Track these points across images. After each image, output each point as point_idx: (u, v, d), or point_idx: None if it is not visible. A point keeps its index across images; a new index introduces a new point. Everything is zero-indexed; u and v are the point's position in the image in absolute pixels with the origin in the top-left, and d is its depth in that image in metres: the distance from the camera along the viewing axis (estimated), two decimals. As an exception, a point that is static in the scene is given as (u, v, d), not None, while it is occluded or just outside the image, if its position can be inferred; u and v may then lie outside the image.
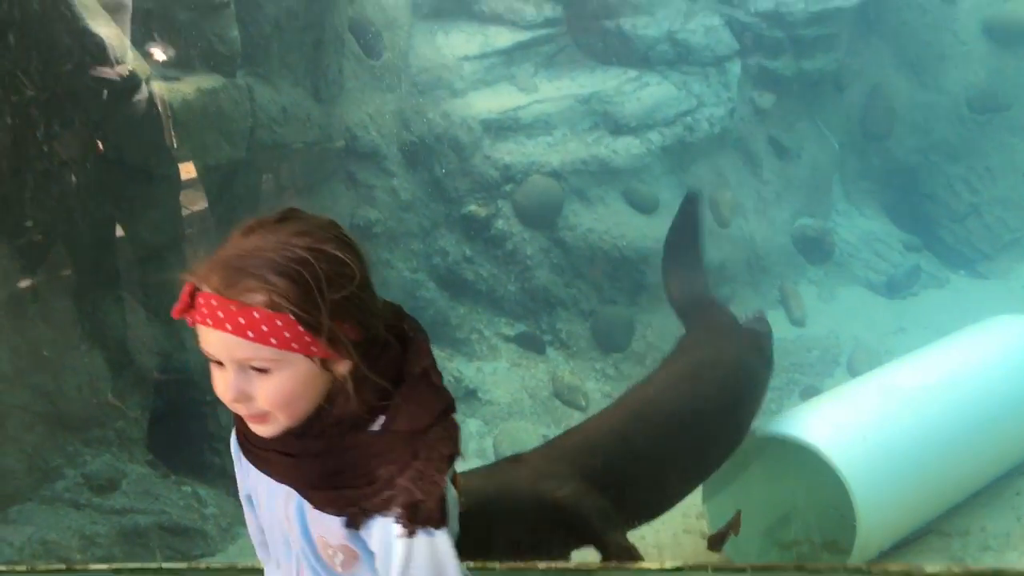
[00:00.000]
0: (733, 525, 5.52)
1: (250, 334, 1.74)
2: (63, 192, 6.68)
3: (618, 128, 11.02)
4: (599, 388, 9.97)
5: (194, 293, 1.83)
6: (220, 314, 1.77)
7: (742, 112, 11.67)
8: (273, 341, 1.75)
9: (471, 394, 9.51)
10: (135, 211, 7.67)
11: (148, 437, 7.88)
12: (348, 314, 1.81)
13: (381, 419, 1.87)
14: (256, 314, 1.74)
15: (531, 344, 10.24)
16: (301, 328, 1.75)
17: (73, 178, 6.65)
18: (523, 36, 11.20)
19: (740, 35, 11.59)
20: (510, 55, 11.14)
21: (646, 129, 11.09)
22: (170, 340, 8.12)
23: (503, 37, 11.11)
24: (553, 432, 9.31)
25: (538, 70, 11.26)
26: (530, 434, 9.27)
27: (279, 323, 1.74)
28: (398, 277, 10.20)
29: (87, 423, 7.50)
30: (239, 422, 2.02)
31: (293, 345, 1.76)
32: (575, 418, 9.60)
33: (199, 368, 8.23)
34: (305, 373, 1.81)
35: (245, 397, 1.83)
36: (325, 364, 1.83)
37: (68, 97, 6.13)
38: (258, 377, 1.80)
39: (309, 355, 1.78)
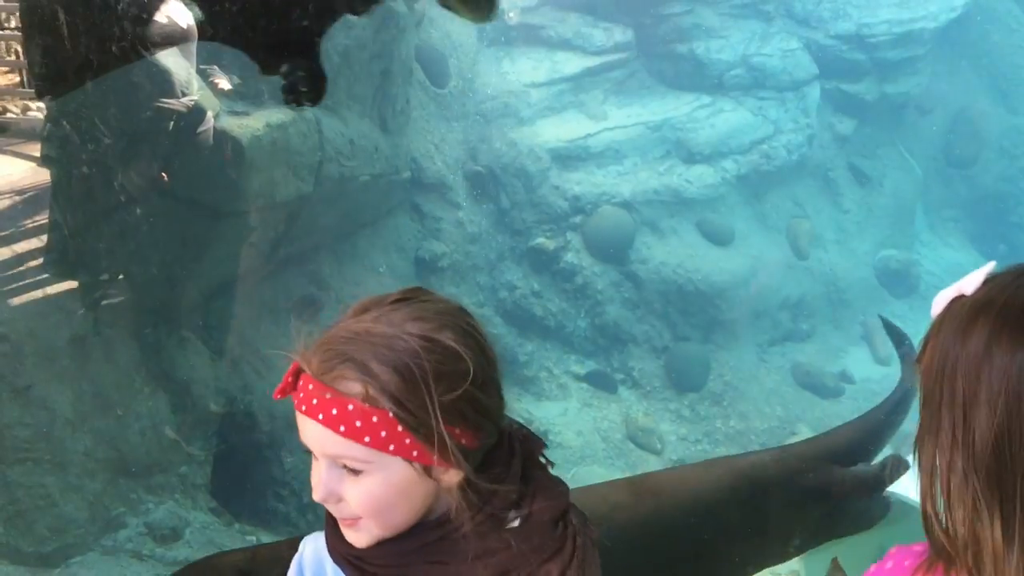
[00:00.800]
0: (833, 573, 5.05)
1: (342, 428, 1.51)
2: (129, 230, 6.46)
3: (691, 156, 10.62)
4: (674, 430, 9.52)
5: (298, 373, 1.58)
6: (314, 401, 1.54)
7: (821, 138, 11.20)
8: (367, 439, 1.51)
9: (542, 436, 9.09)
10: (201, 248, 7.44)
11: (211, 482, 7.61)
12: (460, 417, 1.54)
13: (513, 514, 1.61)
14: (351, 407, 1.51)
15: (602, 383, 9.82)
16: (400, 428, 1.51)
17: (140, 216, 6.42)
18: (592, 62, 10.86)
19: (819, 58, 11.13)
20: (578, 81, 10.80)
21: (720, 157, 10.68)
22: (234, 382, 7.86)
23: (571, 63, 10.78)
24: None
25: (607, 97, 10.89)
26: (604, 479, 8.84)
27: (375, 419, 1.50)
28: (464, 312, 9.85)
29: (150, 469, 7.24)
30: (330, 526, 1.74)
31: (390, 447, 1.52)
32: (650, 463, 9.17)
33: (264, 411, 7.96)
34: (404, 479, 1.56)
35: (335, 497, 1.59)
36: (429, 471, 1.57)
37: (143, 141, 5.91)
38: (351, 477, 1.56)
39: (409, 459, 1.54)
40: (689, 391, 9.79)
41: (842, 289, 10.91)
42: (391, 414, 1.49)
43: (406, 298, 1.63)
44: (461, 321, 1.60)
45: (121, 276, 7.11)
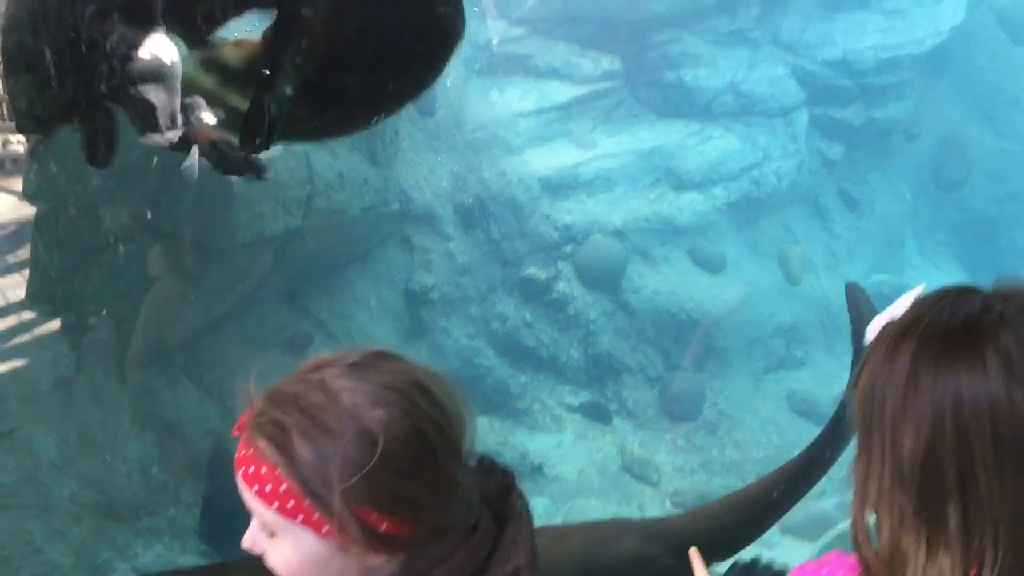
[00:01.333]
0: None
1: (255, 487, 1.45)
2: (117, 271, 6.33)
3: (681, 183, 10.58)
4: (671, 461, 9.41)
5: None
6: (242, 452, 1.48)
7: (810, 164, 11.19)
8: (275, 505, 1.44)
9: (537, 470, 8.97)
10: (189, 285, 7.31)
11: (201, 525, 7.43)
12: (373, 502, 1.43)
13: None
14: (264, 470, 1.43)
15: (597, 414, 9.70)
16: (307, 502, 1.42)
17: (127, 255, 6.29)
18: (580, 90, 10.83)
19: (806, 84, 11.15)
20: (567, 110, 10.76)
21: (710, 184, 10.65)
22: (224, 420, 7.70)
23: (560, 92, 10.75)
24: (625, 510, 8.77)
25: (597, 125, 10.85)
26: (601, 512, 8.70)
27: (284, 488, 1.43)
28: (455, 344, 9.74)
29: (137, 512, 7.07)
30: None
31: (298, 517, 1.43)
32: (647, 494, 9.06)
33: (254, 450, 7.81)
34: (315, 552, 1.47)
35: (259, 548, 1.51)
36: (349, 550, 1.47)
37: (131, 177, 5.80)
38: (270, 536, 1.49)
39: (319, 535, 1.44)
40: (684, 420, 9.69)
41: (835, 315, 10.83)
42: (299, 487, 1.41)
43: (362, 363, 1.52)
44: (405, 401, 1.47)
45: (107, 314, 6.97)
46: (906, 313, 1.42)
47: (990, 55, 12.05)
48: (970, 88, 12.13)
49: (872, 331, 1.47)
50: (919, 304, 1.43)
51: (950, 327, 1.35)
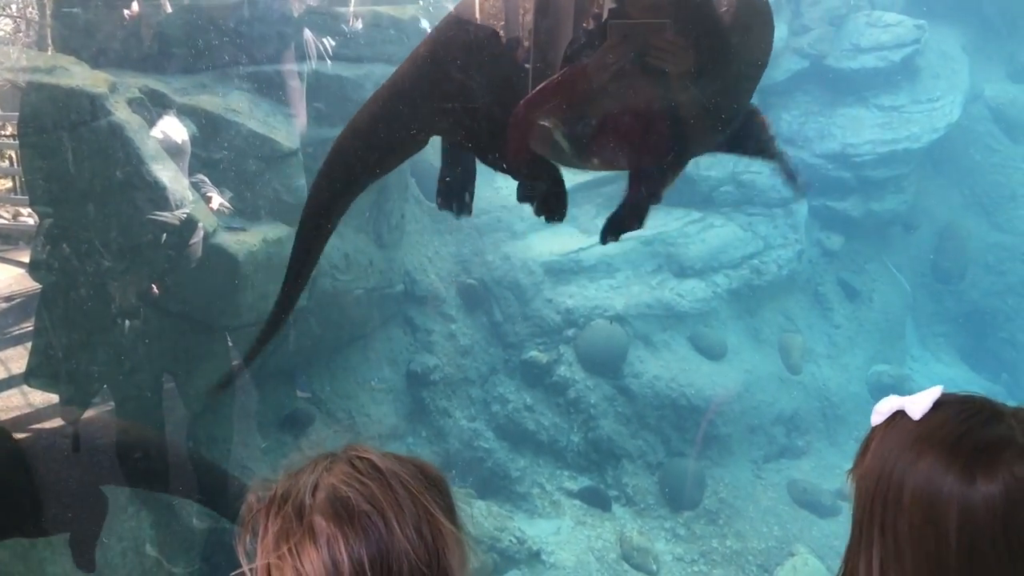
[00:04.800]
0: None
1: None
2: (123, 351, 6.36)
3: (683, 270, 10.68)
4: (670, 550, 9.28)
5: None
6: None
7: (810, 254, 11.31)
8: None
9: (534, 556, 8.84)
10: (192, 363, 7.34)
11: (193, 607, 7.32)
12: None
13: None
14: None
15: (596, 500, 9.61)
16: None
17: (133, 334, 6.33)
18: (584, 176, 11.00)
19: (806, 176, 11.33)
20: (571, 196, 10.78)
21: (712, 272, 10.75)
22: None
23: (564, 177, 10.91)
24: (623, 600, 8.63)
25: (600, 211, 10.99)
26: (599, 602, 8.58)
27: None
28: (455, 426, 9.71)
29: (130, 592, 6.97)
30: None
31: None
32: (646, 584, 8.93)
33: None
34: None
35: None
36: None
37: (139, 255, 5.89)
38: None
39: None
40: (684, 509, 9.59)
41: (836, 404, 10.84)
42: None
43: (335, 463, 1.52)
44: (353, 508, 1.45)
45: (108, 391, 6.99)
46: (928, 415, 1.46)
47: (986, 151, 12.27)
48: (967, 183, 12.32)
49: (879, 413, 1.51)
50: (944, 408, 1.46)
51: (977, 446, 1.38)
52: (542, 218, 4.10)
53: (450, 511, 1.53)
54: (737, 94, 3.59)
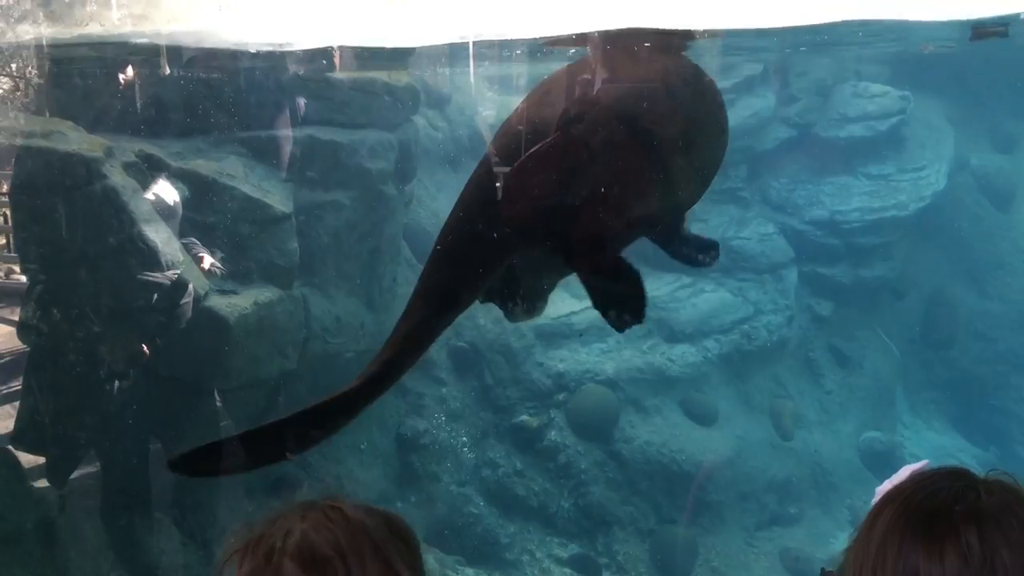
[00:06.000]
0: None
1: None
2: (110, 417, 6.32)
3: (673, 335, 10.71)
4: (662, 620, 9.14)
5: None
6: None
7: (800, 320, 11.36)
8: None
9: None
10: (179, 426, 7.28)
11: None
12: None
13: None
14: None
15: (586, 568, 9.48)
16: None
17: (121, 399, 6.29)
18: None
19: (795, 242, 11.45)
20: (562, 260, 10.98)
21: (702, 336, 10.77)
22: (205, 568, 7.52)
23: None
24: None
25: (591, 276, 11.07)
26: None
27: None
28: (444, 491, 9.61)
29: (110, 663, 6.81)
30: None
31: None
32: (637, 656, 8.76)
33: (235, 600, 7.58)
34: None
35: None
36: None
37: (129, 318, 5.88)
38: None
39: None
40: (676, 577, 9.47)
41: (828, 471, 10.79)
42: None
43: (309, 511, 1.58)
44: (317, 555, 1.52)
45: (94, 456, 6.92)
46: (897, 486, 1.50)
47: (973, 220, 12.42)
48: (955, 250, 12.44)
49: (878, 495, 1.56)
50: (913, 479, 1.50)
51: (921, 511, 1.42)
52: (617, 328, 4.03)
53: (413, 566, 1.59)
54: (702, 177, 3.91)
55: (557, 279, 4.14)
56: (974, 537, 1.37)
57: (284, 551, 1.50)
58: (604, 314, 3.86)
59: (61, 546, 6.64)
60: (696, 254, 4.49)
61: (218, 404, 7.57)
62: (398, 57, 8.43)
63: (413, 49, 8.00)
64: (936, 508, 1.42)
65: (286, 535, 1.53)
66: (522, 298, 4.05)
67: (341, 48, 7.52)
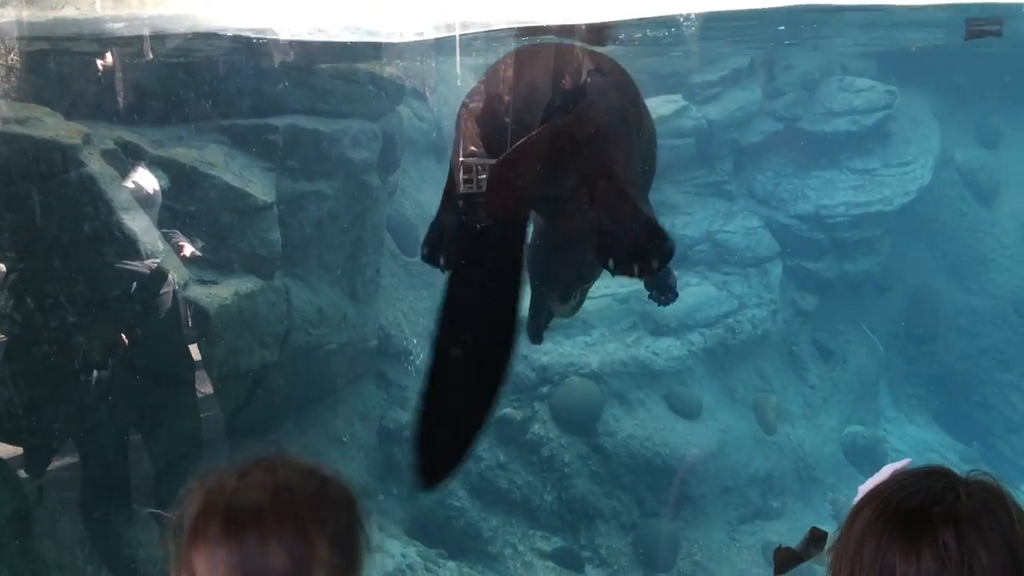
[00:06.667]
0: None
1: None
2: (86, 408, 6.22)
3: (658, 329, 10.68)
4: (643, 614, 9.14)
5: None
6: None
7: (785, 314, 11.35)
8: None
9: (505, 621, 8.67)
10: (159, 418, 7.18)
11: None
12: None
13: None
14: None
15: (569, 561, 9.46)
16: None
17: (98, 390, 6.19)
18: (561, 234, 11.04)
19: (780, 237, 11.43)
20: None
21: (687, 330, 10.75)
22: (184, 560, 7.44)
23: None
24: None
25: (576, 268, 11.03)
26: (570, 668, 8.39)
27: None
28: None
29: (86, 659, 6.72)
30: None
31: None
32: (619, 649, 8.74)
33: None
34: None
35: None
36: None
37: (107, 307, 5.77)
38: None
39: None
40: (659, 571, 9.46)
41: (811, 465, 10.80)
42: None
43: (250, 466, 1.63)
44: (237, 517, 1.55)
45: (71, 446, 6.82)
46: (878, 485, 1.50)
47: (957, 215, 12.45)
48: (939, 245, 12.47)
49: (860, 493, 1.57)
50: (893, 479, 1.51)
51: (899, 510, 1.42)
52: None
53: (340, 537, 1.62)
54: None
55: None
56: (951, 538, 1.37)
57: (215, 509, 1.55)
58: (645, 287, 4.34)
59: (37, 538, 6.54)
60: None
61: (198, 396, 7.48)
62: (383, 48, 8.35)
63: (397, 43, 7.92)
64: (914, 509, 1.41)
65: (221, 491, 1.58)
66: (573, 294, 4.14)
67: (323, 36, 7.42)
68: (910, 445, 11.48)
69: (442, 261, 3.89)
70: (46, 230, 4.94)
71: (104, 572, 6.89)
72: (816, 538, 4.04)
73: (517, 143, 3.49)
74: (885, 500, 1.45)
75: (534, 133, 3.47)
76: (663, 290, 4.53)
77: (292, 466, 1.65)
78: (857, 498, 1.56)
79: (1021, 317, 11.90)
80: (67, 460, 6.94)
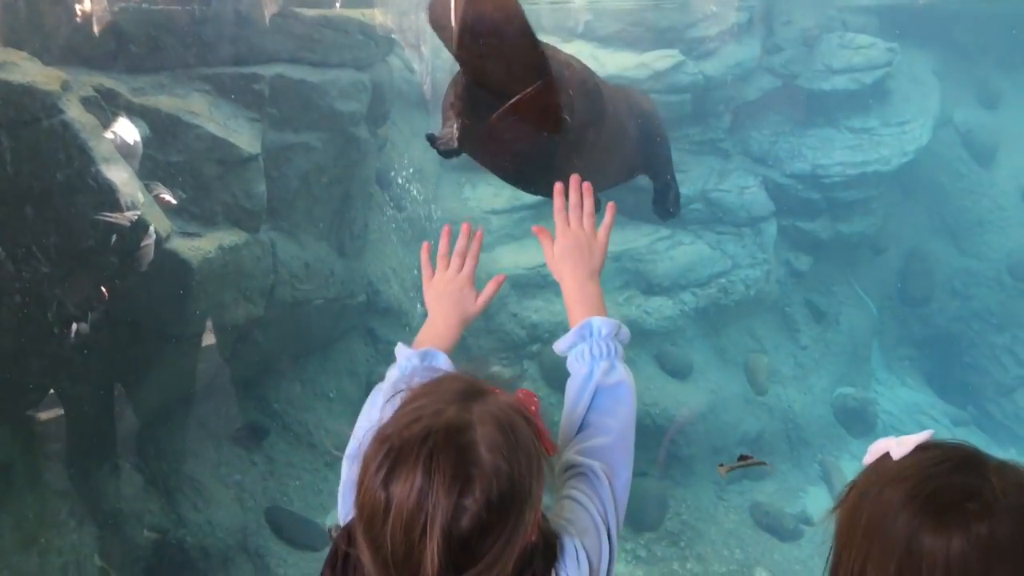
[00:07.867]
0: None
1: None
2: (62, 362, 6.10)
3: (650, 288, 10.58)
4: (630, 572, 9.14)
5: None
6: None
7: (778, 274, 11.24)
8: None
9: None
10: (142, 372, 7.09)
11: (136, 624, 7.07)
12: None
13: None
14: None
15: (557, 519, 9.44)
16: None
17: (75, 343, 6.08)
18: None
19: (775, 196, 11.28)
20: (539, 209, 10.77)
21: (679, 290, 10.65)
22: (168, 516, 7.40)
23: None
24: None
25: (567, 226, 10.89)
26: (556, 625, 8.39)
27: None
28: (416, 441, 9.50)
29: (70, 612, 6.70)
30: None
31: None
32: (605, 607, 8.75)
33: (197, 548, 7.48)
34: None
35: None
36: None
37: (85, 259, 5.63)
38: None
39: None
40: (646, 530, 9.45)
41: (801, 426, 10.77)
42: None
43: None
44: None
45: (53, 398, 6.73)
46: (907, 458, 1.48)
47: (954, 176, 12.30)
48: (936, 207, 12.34)
49: (872, 453, 1.55)
50: (923, 453, 1.48)
51: (936, 497, 1.40)
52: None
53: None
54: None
55: None
56: (985, 533, 1.37)
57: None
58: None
59: (18, 490, 6.48)
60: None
61: (182, 350, 7.38)
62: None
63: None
64: (947, 503, 1.40)
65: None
66: None
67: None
68: (901, 407, 11.45)
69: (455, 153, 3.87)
70: (16, 178, 4.77)
71: (86, 524, 6.84)
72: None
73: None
74: (919, 485, 1.43)
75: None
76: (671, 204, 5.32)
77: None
78: (872, 452, 1.55)
79: (1015, 280, 11.80)
80: (51, 413, 6.87)
